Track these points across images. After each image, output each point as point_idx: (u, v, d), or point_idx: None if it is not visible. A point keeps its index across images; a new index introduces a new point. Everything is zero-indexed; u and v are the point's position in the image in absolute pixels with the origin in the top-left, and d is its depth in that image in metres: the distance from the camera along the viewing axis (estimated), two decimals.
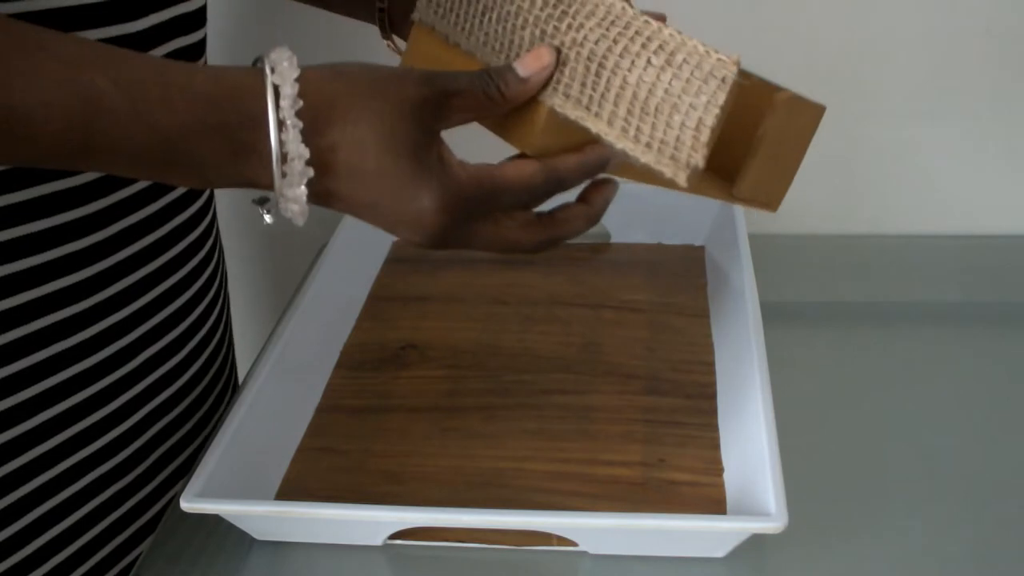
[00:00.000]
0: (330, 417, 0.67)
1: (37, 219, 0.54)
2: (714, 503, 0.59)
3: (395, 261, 0.85)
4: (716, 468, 0.61)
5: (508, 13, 0.54)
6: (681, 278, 0.81)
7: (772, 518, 0.52)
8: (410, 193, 0.49)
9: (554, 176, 0.52)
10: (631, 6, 0.51)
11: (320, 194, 0.48)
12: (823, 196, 0.91)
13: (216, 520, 0.57)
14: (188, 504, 0.54)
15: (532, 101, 0.53)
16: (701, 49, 0.49)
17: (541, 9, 0.53)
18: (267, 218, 0.50)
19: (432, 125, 0.49)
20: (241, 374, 0.79)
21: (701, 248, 0.85)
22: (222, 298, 0.74)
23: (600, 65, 0.51)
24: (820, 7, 0.88)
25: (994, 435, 0.67)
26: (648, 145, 0.51)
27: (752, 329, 0.66)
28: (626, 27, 0.50)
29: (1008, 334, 0.78)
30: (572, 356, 0.72)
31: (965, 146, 0.92)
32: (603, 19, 0.51)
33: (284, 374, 0.66)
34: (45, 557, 0.60)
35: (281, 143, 0.46)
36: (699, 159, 0.49)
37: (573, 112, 0.52)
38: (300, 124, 0.46)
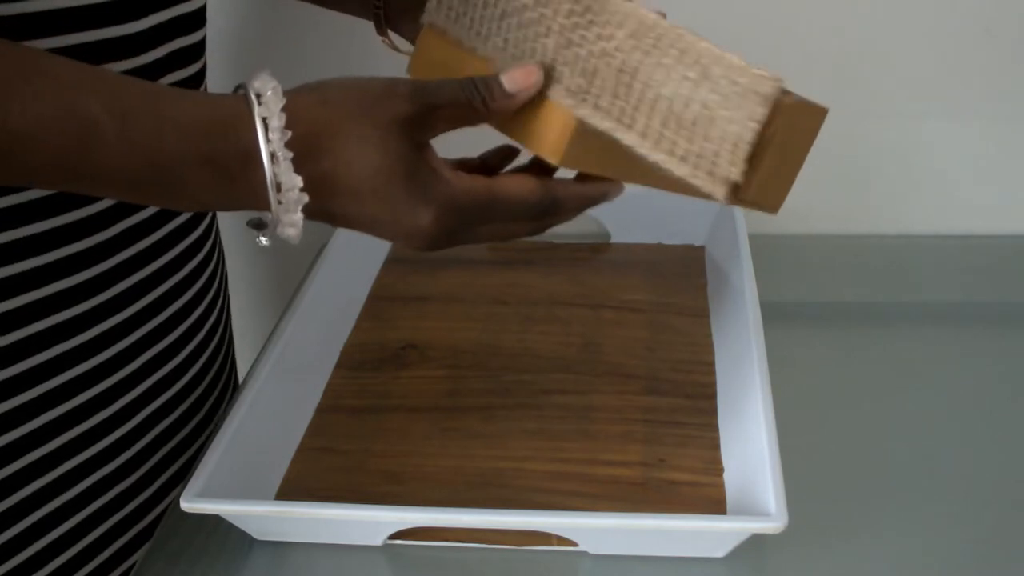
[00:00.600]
0: (330, 417, 0.67)
1: (37, 221, 0.54)
2: (714, 503, 0.59)
3: (395, 261, 0.85)
4: (716, 468, 0.61)
5: (530, 20, 0.53)
6: (681, 278, 0.81)
7: (772, 518, 0.52)
8: (405, 209, 0.49)
9: (550, 197, 0.53)
10: (663, 17, 0.51)
11: (316, 214, 0.49)
12: (823, 196, 0.91)
13: (216, 520, 0.57)
14: (188, 504, 0.54)
15: (559, 110, 0.52)
16: (739, 63, 0.48)
17: (566, 17, 0.52)
18: (263, 240, 0.50)
19: (420, 139, 0.50)
20: (241, 374, 0.79)
21: (701, 248, 0.85)
22: (222, 298, 0.74)
23: (632, 76, 0.50)
24: (820, 7, 0.88)
25: (994, 435, 0.67)
26: (683, 159, 0.50)
27: (752, 329, 0.66)
28: (659, 38, 0.50)
29: (1008, 334, 0.78)
30: (572, 356, 0.72)
31: (965, 146, 0.92)
32: (635, 30, 0.50)
33: (284, 374, 0.66)
34: (46, 559, 0.60)
35: (275, 174, 0.47)
36: (737, 174, 0.49)
37: (603, 123, 0.51)
38: (290, 154, 0.47)
